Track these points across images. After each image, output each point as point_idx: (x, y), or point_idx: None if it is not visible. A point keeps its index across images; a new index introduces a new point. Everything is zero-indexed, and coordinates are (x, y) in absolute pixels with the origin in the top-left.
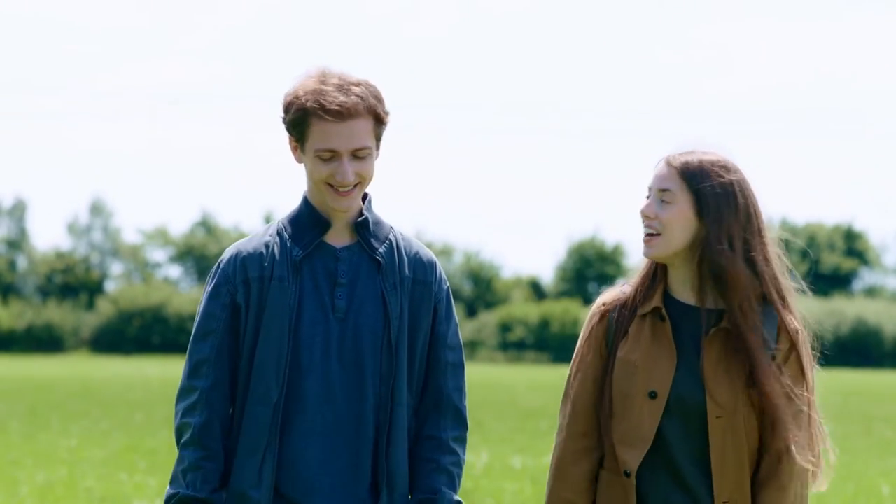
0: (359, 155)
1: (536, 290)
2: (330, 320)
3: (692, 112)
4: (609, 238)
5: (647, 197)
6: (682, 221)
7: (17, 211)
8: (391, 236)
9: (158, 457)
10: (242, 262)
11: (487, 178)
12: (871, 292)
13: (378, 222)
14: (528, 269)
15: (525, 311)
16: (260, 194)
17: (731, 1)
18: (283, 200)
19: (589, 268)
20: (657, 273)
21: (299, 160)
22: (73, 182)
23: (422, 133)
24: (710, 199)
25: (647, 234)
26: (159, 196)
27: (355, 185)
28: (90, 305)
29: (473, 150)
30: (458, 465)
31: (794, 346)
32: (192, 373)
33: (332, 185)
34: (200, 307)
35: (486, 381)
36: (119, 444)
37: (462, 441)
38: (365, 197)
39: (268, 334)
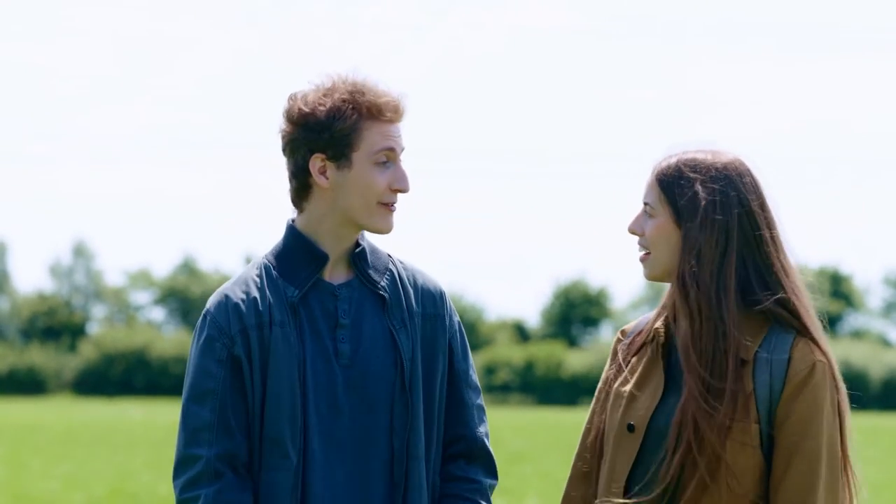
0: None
1: (521, 333)
2: (334, 368)
3: None
4: (595, 281)
5: None
6: (665, 236)
7: None
8: (391, 266)
9: (141, 501)
10: (236, 309)
11: (471, 220)
12: (857, 335)
13: (374, 251)
14: (513, 311)
15: (510, 353)
16: (240, 237)
17: (719, 44)
18: (263, 242)
19: (574, 310)
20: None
21: (330, 183)
22: (55, 224)
23: None
24: (687, 208)
25: (640, 253)
26: (141, 238)
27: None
28: (72, 348)
29: (457, 193)
30: None
31: (804, 381)
32: (190, 441)
33: (383, 204)
34: (191, 365)
35: None
36: (102, 488)
37: (490, 493)
38: None
39: (278, 389)
